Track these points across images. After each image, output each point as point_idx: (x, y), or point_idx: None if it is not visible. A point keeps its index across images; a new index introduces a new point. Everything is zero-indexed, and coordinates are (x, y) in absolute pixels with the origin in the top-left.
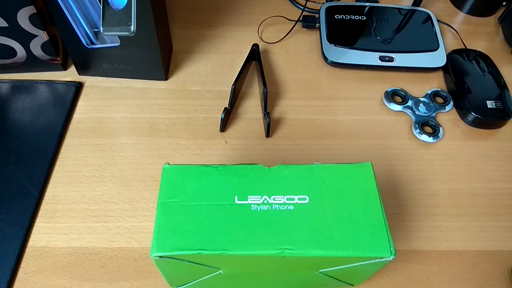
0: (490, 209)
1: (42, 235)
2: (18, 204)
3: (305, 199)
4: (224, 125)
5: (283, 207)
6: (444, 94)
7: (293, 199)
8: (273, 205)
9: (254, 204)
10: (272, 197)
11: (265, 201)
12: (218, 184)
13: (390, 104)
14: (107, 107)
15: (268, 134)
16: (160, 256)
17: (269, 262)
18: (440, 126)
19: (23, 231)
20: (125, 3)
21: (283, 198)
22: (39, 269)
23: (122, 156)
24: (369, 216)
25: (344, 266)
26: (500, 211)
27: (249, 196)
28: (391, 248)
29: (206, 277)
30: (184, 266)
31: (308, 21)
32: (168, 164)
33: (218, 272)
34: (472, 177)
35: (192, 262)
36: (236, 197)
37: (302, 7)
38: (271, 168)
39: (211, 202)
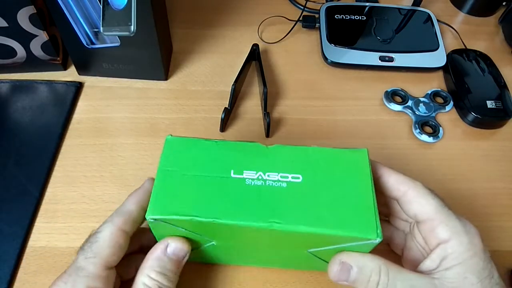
0: (490, 209)
1: (42, 235)
2: (18, 204)
3: (298, 178)
4: (224, 125)
5: (276, 184)
6: (444, 94)
7: (287, 177)
8: (267, 181)
9: (249, 178)
10: (267, 173)
11: (260, 177)
12: (217, 157)
13: (390, 104)
14: (107, 107)
15: (268, 134)
16: (155, 219)
17: (259, 235)
18: (440, 126)
19: (23, 231)
20: (125, 3)
21: (277, 175)
22: (39, 269)
23: (122, 156)
24: (359, 199)
25: (331, 247)
26: (500, 211)
27: (244, 171)
28: (378, 231)
29: (199, 248)
30: (179, 234)
31: (308, 21)
32: (171, 135)
33: (211, 243)
34: (472, 177)
35: (186, 230)
36: (232, 171)
37: (302, 7)
38: (268, 147)
39: (208, 174)
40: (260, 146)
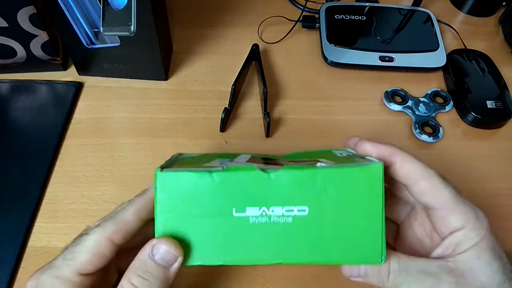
0: (490, 209)
1: (42, 235)
2: (18, 204)
3: (304, 210)
4: (224, 125)
5: (281, 220)
6: (444, 94)
7: (292, 210)
8: (272, 217)
9: (252, 216)
10: (271, 208)
11: (264, 213)
12: (216, 194)
13: (390, 104)
14: (107, 107)
15: (268, 134)
16: None
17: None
18: (440, 126)
19: (23, 231)
20: (125, 3)
21: (282, 209)
22: None
23: (122, 156)
24: (367, 225)
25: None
26: (500, 211)
27: (247, 208)
28: (383, 256)
29: None
30: None
31: (308, 21)
32: (160, 169)
33: None
34: (472, 177)
35: None
36: (234, 209)
37: (302, 7)
38: (270, 175)
39: (209, 215)
40: (262, 175)
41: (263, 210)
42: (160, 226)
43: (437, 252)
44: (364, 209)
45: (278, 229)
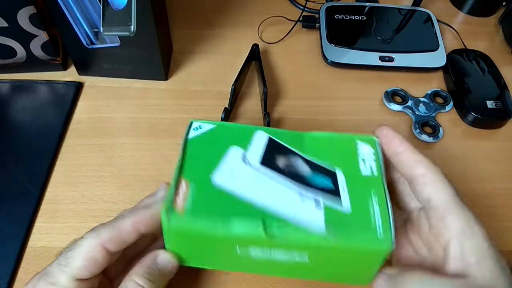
0: (490, 209)
1: (42, 235)
2: (18, 204)
3: (304, 256)
4: None
5: (282, 258)
6: (444, 94)
7: (294, 256)
8: (273, 256)
9: (255, 254)
10: (272, 250)
11: (266, 252)
12: (219, 240)
13: (390, 104)
14: (107, 107)
15: None
16: None
17: None
18: (440, 126)
19: (23, 231)
20: (125, 3)
21: (283, 253)
22: (39, 269)
23: (122, 156)
24: (366, 273)
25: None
26: (500, 211)
27: (250, 248)
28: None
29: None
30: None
31: (308, 21)
32: (166, 212)
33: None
34: (472, 177)
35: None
36: (237, 247)
37: (302, 7)
38: (274, 240)
39: (212, 250)
40: (265, 239)
41: (265, 250)
42: (167, 247)
43: (451, 267)
44: (363, 265)
45: (279, 262)
